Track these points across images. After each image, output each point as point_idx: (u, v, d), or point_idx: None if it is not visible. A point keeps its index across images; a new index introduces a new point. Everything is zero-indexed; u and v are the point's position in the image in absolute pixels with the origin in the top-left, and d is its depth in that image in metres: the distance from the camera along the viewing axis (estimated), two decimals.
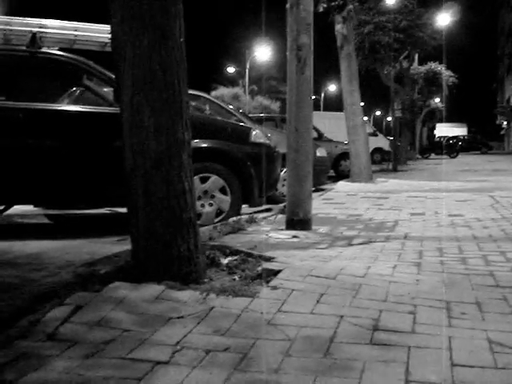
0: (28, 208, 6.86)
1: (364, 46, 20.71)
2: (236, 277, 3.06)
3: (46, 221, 7.02)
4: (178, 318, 2.43)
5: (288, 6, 5.18)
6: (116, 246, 4.48)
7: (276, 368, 1.97)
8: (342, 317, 2.47)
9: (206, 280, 2.96)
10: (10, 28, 5.92)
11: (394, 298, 2.74)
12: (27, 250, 4.84)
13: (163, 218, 2.93)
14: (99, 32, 6.23)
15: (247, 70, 42.71)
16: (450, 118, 51.50)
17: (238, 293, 2.72)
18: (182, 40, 3.03)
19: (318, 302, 2.66)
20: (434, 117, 38.36)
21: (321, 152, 10.61)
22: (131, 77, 2.94)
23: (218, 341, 2.20)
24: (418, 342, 2.20)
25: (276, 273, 3.09)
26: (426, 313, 2.55)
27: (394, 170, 18.55)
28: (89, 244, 5.09)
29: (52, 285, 2.83)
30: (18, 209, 6.71)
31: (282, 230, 5.02)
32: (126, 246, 3.69)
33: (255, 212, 6.36)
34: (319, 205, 7.29)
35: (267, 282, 2.94)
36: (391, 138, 23.45)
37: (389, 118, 48.51)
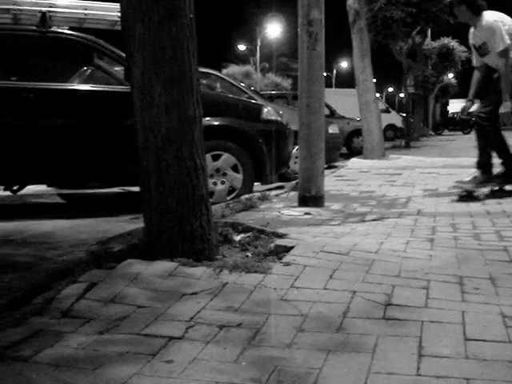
0: (41, 188, 6.90)
1: (376, 21, 20.46)
2: (249, 253, 3.06)
3: (59, 200, 7.06)
4: (192, 294, 2.45)
5: None
6: (129, 224, 4.50)
7: (289, 343, 1.98)
8: (354, 292, 2.47)
9: (218, 257, 2.97)
10: (20, 8, 5.89)
11: (407, 274, 2.74)
12: (41, 229, 4.88)
13: (175, 195, 2.94)
14: (109, 10, 6.19)
15: (258, 48, 42.44)
16: (464, 94, 50.98)
17: (250, 269, 2.73)
18: (191, 16, 3.00)
19: (330, 277, 2.66)
20: (447, 93, 38.03)
21: (333, 129, 10.55)
22: (141, 54, 2.93)
23: (232, 316, 2.21)
24: (431, 316, 2.20)
25: (288, 249, 3.09)
26: (439, 288, 2.54)
27: (407, 146, 18.43)
28: (102, 223, 5.12)
29: (66, 263, 2.85)
30: (31, 189, 6.76)
31: (294, 207, 5.01)
32: (139, 224, 3.71)
33: (267, 189, 6.35)
34: (331, 182, 7.27)
35: (280, 258, 2.94)
36: (404, 115, 23.29)
37: (401, 95, 48.14)
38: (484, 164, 5.61)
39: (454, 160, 11.00)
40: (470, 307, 2.30)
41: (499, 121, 5.48)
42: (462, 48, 30.77)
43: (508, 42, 5.30)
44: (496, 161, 5.65)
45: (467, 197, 5.39)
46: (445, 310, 2.27)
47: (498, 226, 4.03)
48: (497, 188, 5.67)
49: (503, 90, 5.34)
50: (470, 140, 23.53)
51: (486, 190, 5.60)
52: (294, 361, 1.84)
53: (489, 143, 5.62)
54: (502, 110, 5.36)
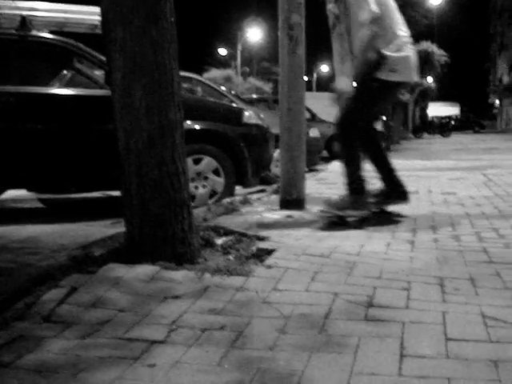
0: (21, 193, 6.85)
1: None
2: (231, 257, 3.06)
3: (39, 205, 7.00)
4: (174, 297, 2.44)
5: None
6: (110, 229, 4.47)
7: (271, 345, 1.98)
8: (336, 294, 2.48)
9: (200, 260, 2.97)
10: (0, 12, 5.86)
11: (388, 275, 2.76)
12: (21, 235, 4.84)
13: (157, 199, 2.93)
14: (89, 14, 6.18)
15: (239, 52, 42.50)
16: (443, 98, 51.46)
17: (232, 272, 2.73)
18: (172, 20, 3.01)
19: (312, 279, 2.67)
20: (426, 96, 38.35)
21: (314, 133, 10.60)
22: (122, 58, 2.92)
23: (214, 319, 2.21)
24: (413, 317, 2.22)
25: (270, 252, 3.10)
26: (420, 289, 2.57)
27: (387, 149, 18.54)
28: (83, 227, 5.09)
29: (47, 268, 2.83)
30: (11, 193, 6.69)
31: (275, 210, 5.02)
32: (120, 228, 3.68)
33: (249, 193, 6.35)
34: (313, 185, 7.29)
35: (262, 261, 2.95)
36: (384, 118, 23.43)
37: None
38: (383, 179, 4.70)
39: (432, 163, 11.09)
40: (451, 308, 2.33)
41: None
42: (441, 52, 31.08)
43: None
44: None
45: (338, 223, 4.24)
46: (426, 311, 2.29)
47: (477, 227, 4.07)
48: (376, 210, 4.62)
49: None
50: (449, 143, 23.76)
51: (359, 213, 4.38)
52: (276, 362, 1.84)
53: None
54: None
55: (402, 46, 4.33)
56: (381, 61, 4.23)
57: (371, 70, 4.26)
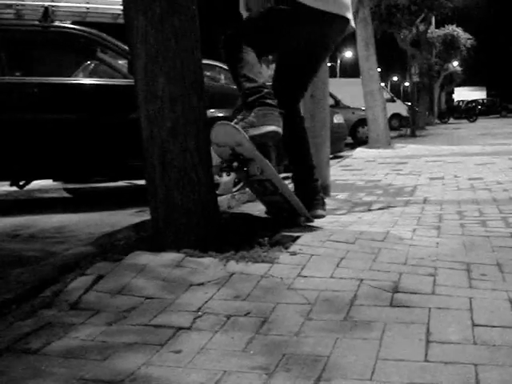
0: (47, 183, 6.93)
1: (380, 9, 20.38)
2: (255, 244, 3.06)
3: (65, 195, 7.08)
4: (199, 284, 2.45)
5: None
6: (135, 217, 4.51)
7: (297, 331, 1.98)
8: (361, 280, 2.47)
9: (225, 247, 2.97)
10: (23, 3, 5.90)
11: (414, 261, 2.74)
12: (48, 224, 4.90)
13: (181, 187, 2.94)
14: (111, 4, 6.19)
15: None
16: (469, 82, 50.80)
17: (257, 259, 2.73)
18: (194, 8, 3.00)
19: (337, 266, 2.66)
20: (452, 81, 37.90)
21: (338, 119, 10.53)
22: (144, 47, 2.92)
23: (239, 306, 2.22)
24: (439, 303, 2.20)
25: (295, 239, 3.09)
26: (446, 275, 2.54)
27: (413, 135, 18.39)
28: (108, 216, 5.13)
29: (74, 256, 2.86)
30: (37, 184, 6.78)
31: None
32: (145, 216, 3.71)
33: None
34: (337, 172, 7.27)
35: (286, 248, 2.94)
36: (409, 104, 23.22)
37: (406, 84, 47.97)
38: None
39: (459, 148, 10.96)
40: (478, 293, 2.30)
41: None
42: (467, 35, 30.64)
43: None
44: None
45: None
46: (452, 297, 2.27)
47: (504, 212, 4.02)
48: None
49: None
50: (475, 128, 23.47)
51: None
52: (302, 348, 1.84)
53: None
54: None
55: None
56: None
57: None
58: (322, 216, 3.56)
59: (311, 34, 3.38)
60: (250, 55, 3.24)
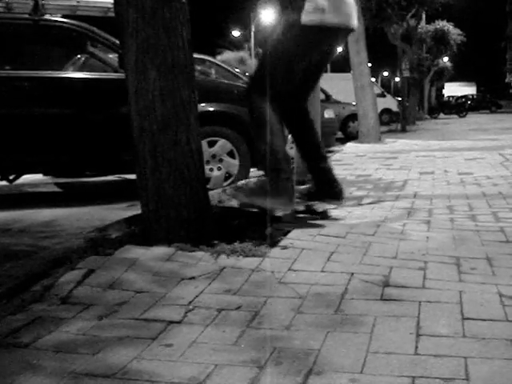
0: (37, 177, 6.90)
1: (371, 4, 20.38)
2: (246, 238, 3.06)
3: (56, 189, 7.05)
4: (190, 278, 2.46)
5: None
6: (126, 212, 4.50)
7: (288, 325, 1.99)
8: (352, 274, 2.48)
9: (216, 241, 2.97)
10: None
11: (404, 255, 2.75)
12: (39, 219, 4.88)
13: (172, 181, 2.94)
14: None
15: (253, 33, 42.26)
16: (459, 77, 50.97)
17: (248, 253, 2.74)
18: (184, 1, 2.99)
19: (328, 260, 2.67)
20: (442, 76, 38.00)
21: (328, 114, 10.53)
22: (135, 40, 2.91)
23: (230, 300, 2.22)
24: (429, 296, 2.21)
25: (286, 233, 3.10)
26: (436, 269, 2.56)
27: (403, 130, 18.42)
28: (99, 211, 5.12)
29: (64, 250, 2.85)
30: (27, 178, 6.74)
31: None
32: (135, 211, 3.70)
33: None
34: None
35: (277, 242, 2.95)
36: (399, 99, 23.25)
37: (397, 79, 48.08)
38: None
39: (449, 143, 11.00)
40: (467, 287, 2.32)
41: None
42: (457, 31, 30.70)
43: None
44: None
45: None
46: (442, 290, 2.28)
47: (494, 207, 4.04)
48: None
49: None
50: (465, 123, 23.56)
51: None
52: (293, 342, 1.85)
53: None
54: None
55: None
56: None
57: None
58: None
59: (323, 49, 3.56)
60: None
